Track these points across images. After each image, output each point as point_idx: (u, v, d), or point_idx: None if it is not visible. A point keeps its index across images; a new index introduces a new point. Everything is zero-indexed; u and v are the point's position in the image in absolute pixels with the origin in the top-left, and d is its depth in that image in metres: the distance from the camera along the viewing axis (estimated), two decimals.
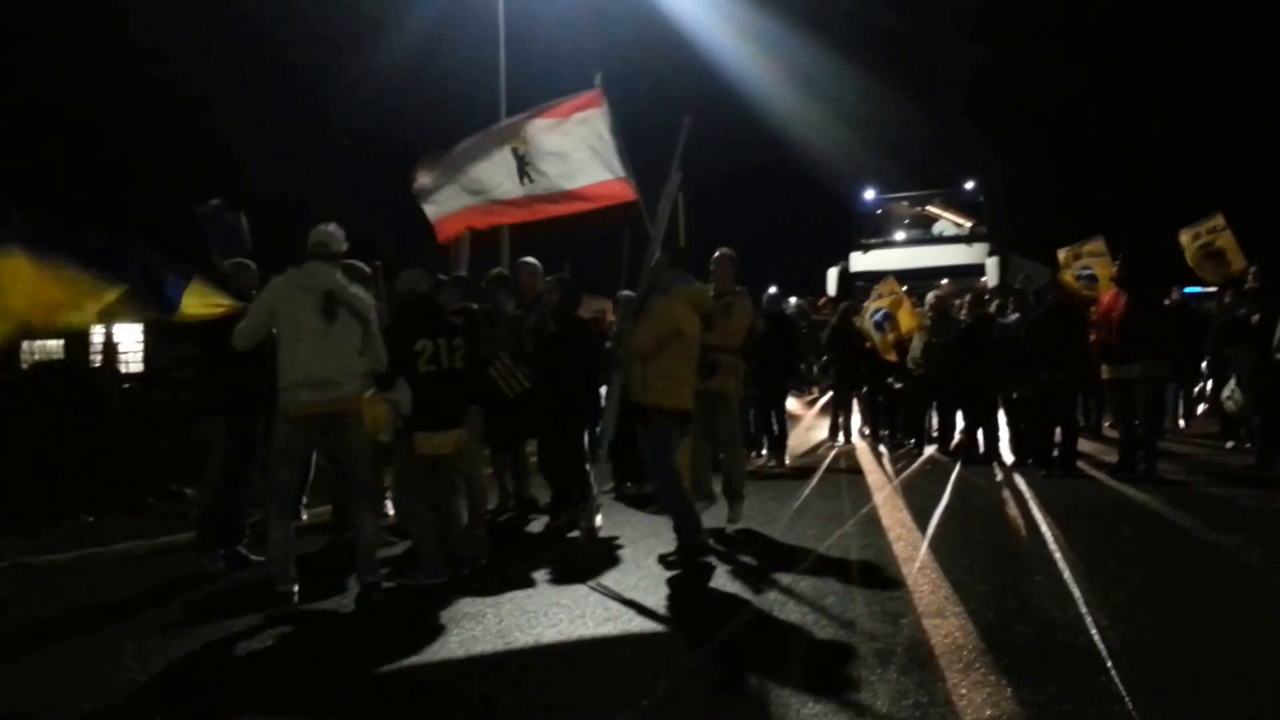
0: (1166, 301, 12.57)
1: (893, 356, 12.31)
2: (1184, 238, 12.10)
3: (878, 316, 12.44)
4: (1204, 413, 13.60)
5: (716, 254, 7.73)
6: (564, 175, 7.58)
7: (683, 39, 26.09)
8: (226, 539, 6.68)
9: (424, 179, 8.39)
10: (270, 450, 5.80)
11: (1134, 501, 8.11)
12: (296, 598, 5.55)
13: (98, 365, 11.55)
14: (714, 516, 7.37)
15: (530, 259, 8.25)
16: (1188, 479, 9.34)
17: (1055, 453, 9.87)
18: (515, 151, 7.64)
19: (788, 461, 11.37)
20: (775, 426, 11.63)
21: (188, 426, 7.48)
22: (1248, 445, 10.98)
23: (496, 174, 7.88)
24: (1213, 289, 12.93)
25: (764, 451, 12.02)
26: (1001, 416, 11.36)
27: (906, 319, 12.30)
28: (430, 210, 8.35)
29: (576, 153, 7.47)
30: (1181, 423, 14.21)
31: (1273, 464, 9.54)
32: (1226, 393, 10.82)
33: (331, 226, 5.79)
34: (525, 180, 7.62)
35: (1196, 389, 11.64)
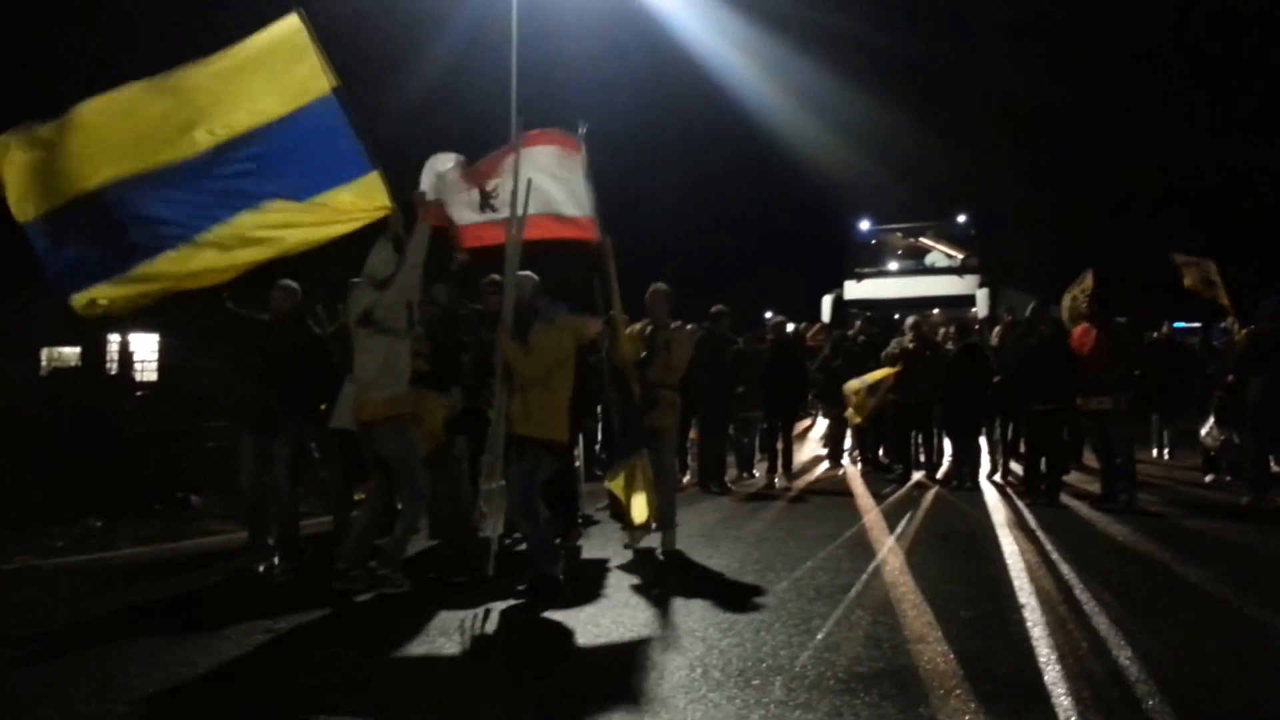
0: (1155, 335, 12.84)
1: (859, 420, 12.32)
2: (1183, 264, 12.24)
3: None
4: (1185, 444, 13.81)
5: (651, 289, 7.89)
6: (534, 202, 7.41)
7: (695, 68, 26.51)
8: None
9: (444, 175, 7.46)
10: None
11: (1115, 532, 8.29)
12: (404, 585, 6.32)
13: (113, 373, 11.69)
14: (649, 541, 7.43)
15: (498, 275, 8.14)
16: (1167, 510, 9.54)
17: (1042, 485, 10.13)
18: (483, 189, 7.31)
19: (778, 483, 11.57)
20: (780, 446, 11.85)
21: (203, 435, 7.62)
22: (1228, 478, 11.27)
23: (467, 200, 7.41)
24: (1198, 324, 13.17)
25: (755, 473, 12.29)
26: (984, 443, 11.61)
27: (880, 373, 12.04)
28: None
29: (548, 184, 7.26)
30: (1166, 454, 14.49)
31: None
32: (1205, 430, 11.05)
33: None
34: (487, 210, 7.31)
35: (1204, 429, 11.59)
